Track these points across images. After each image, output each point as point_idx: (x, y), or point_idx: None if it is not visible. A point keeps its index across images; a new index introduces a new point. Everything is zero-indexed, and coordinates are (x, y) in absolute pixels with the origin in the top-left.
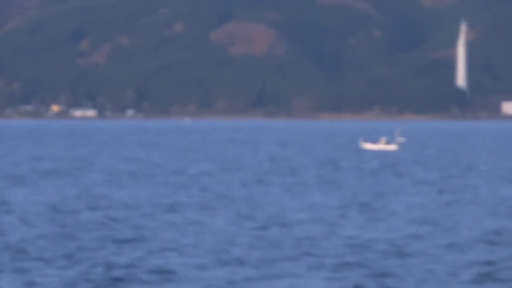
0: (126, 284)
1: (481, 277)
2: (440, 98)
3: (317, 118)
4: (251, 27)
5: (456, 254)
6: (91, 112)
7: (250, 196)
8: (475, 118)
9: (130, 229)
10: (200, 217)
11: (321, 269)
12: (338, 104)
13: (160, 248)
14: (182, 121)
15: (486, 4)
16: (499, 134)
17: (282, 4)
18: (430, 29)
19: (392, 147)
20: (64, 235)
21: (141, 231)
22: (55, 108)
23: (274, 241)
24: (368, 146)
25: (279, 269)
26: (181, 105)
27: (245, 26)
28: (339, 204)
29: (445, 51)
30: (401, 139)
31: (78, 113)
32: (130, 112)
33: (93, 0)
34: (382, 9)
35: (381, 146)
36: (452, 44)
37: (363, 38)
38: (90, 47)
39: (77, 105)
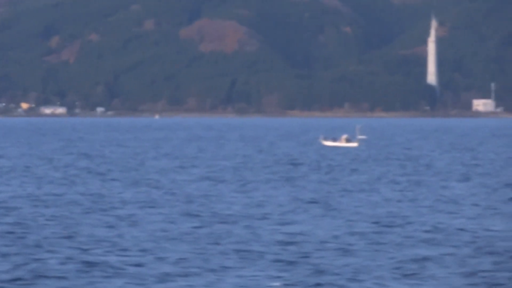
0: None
1: (411, 274)
2: (411, 95)
3: (287, 115)
4: (221, 24)
5: (396, 251)
6: (60, 110)
7: (200, 193)
8: (446, 116)
9: (63, 226)
10: (140, 213)
11: (254, 265)
12: (309, 101)
13: (90, 243)
14: (152, 119)
15: (455, 0)
16: (466, 131)
17: (253, 1)
18: (401, 25)
19: (352, 144)
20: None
21: (74, 228)
22: (24, 105)
23: (212, 237)
24: (329, 143)
25: (209, 264)
26: (151, 102)
27: (215, 23)
28: (289, 201)
29: (415, 48)
30: (361, 136)
31: (47, 110)
32: (100, 109)
33: None
34: (352, 6)
35: (341, 144)
36: (422, 41)
37: (333, 35)
38: (60, 44)
39: (47, 102)
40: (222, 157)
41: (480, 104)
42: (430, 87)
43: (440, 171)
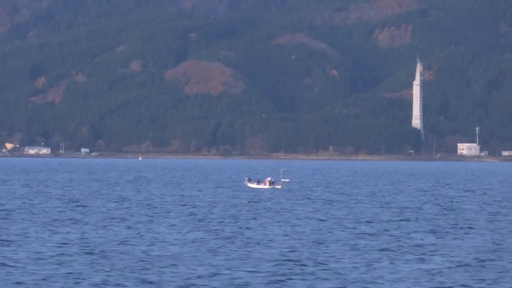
0: None
1: None
2: (395, 139)
3: (272, 157)
4: (207, 66)
5: None
6: (44, 151)
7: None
8: (430, 159)
9: None
10: None
11: None
12: (293, 143)
13: None
14: (135, 160)
15: (441, 44)
16: (417, 173)
17: (239, 43)
18: (388, 69)
19: (276, 187)
20: None
21: None
22: (8, 146)
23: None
24: (253, 185)
25: None
26: (136, 144)
27: (201, 64)
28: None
29: (401, 91)
30: (285, 179)
31: (32, 151)
32: (84, 150)
33: (50, 38)
34: (339, 49)
35: (265, 186)
36: (408, 84)
37: (319, 77)
38: (46, 85)
39: (32, 143)
40: (116, 199)
41: (465, 148)
42: (414, 130)
43: (341, 209)
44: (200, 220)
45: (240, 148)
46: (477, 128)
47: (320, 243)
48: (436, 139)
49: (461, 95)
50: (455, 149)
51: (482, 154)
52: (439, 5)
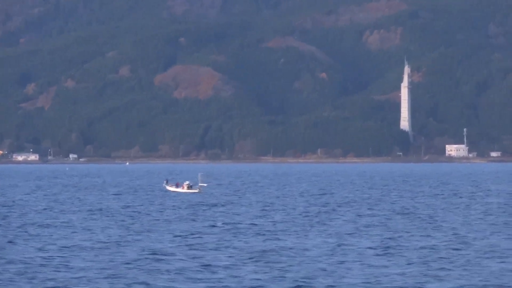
0: None
1: None
2: (384, 141)
3: (260, 161)
4: (196, 70)
5: None
6: (33, 157)
7: None
8: (418, 161)
9: None
10: None
11: None
12: (282, 147)
13: None
14: (122, 165)
15: (429, 46)
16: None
17: (228, 47)
18: (377, 71)
19: (194, 191)
20: None
21: None
22: None
23: None
24: (171, 189)
25: None
26: (125, 149)
27: (190, 69)
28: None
29: (390, 94)
30: (203, 184)
31: (20, 157)
32: (72, 156)
33: (41, 44)
34: (329, 52)
35: (183, 190)
36: (398, 86)
37: (309, 80)
38: (35, 91)
39: (21, 149)
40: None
41: (453, 150)
42: (403, 132)
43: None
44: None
45: (229, 152)
46: (465, 129)
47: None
48: (425, 141)
49: (450, 97)
50: (443, 150)
51: (470, 155)
52: (429, 7)
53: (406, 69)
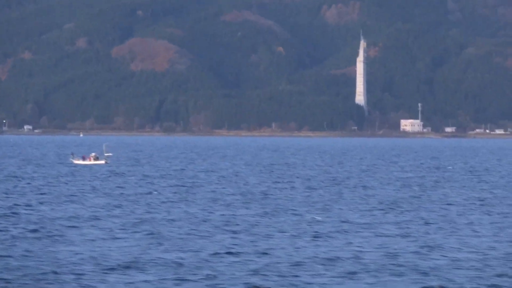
0: None
1: None
2: (339, 115)
3: (215, 134)
4: (153, 43)
5: None
6: None
7: None
8: (373, 135)
9: None
10: None
11: None
12: (237, 120)
13: None
14: (78, 137)
15: (387, 21)
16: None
17: (185, 20)
18: (335, 45)
19: (100, 162)
20: None
21: None
22: None
23: None
24: (78, 162)
25: None
26: (80, 121)
27: (147, 42)
28: None
29: (346, 68)
30: (108, 154)
31: None
32: (27, 127)
33: None
34: (286, 26)
35: (90, 162)
36: (354, 61)
37: (265, 54)
38: None
39: None
40: None
41: (408, 124)
42: (358, 107)
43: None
44: None
45: (184, 125)
46: (419, 104)
47: None
48: (379, 116)
49: (405, 72)
50: (398, 125)
51: (425, 130)
52: None
53: (362, 44)
